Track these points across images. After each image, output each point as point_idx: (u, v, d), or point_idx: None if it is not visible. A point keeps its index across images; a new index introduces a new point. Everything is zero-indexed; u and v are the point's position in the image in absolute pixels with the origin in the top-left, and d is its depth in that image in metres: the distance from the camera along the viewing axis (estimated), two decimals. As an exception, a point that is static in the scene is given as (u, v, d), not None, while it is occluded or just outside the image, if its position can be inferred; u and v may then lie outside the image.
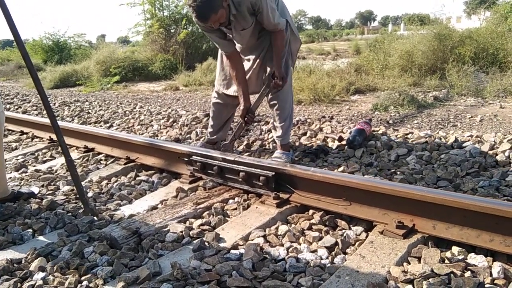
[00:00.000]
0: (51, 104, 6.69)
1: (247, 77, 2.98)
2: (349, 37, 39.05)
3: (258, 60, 2.95)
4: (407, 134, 3.36)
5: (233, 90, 3.08)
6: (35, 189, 2.73)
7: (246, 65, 3.00)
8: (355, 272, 1.56)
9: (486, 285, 1.44)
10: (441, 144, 3.03)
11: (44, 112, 6.06)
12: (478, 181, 2.38)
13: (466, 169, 2.57)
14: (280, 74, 2.84)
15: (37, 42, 16.58)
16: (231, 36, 2.83)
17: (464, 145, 2.97)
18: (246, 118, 2.99)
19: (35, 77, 2.18)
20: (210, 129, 3.32)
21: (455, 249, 1.67)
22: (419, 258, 1.64)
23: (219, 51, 3.11)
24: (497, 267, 1.52)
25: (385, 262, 1.62)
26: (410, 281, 1.49)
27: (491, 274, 1.50)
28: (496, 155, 2.73)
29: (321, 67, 7.26)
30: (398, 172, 2.65)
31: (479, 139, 3.04)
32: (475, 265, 1.56)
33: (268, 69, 2.92)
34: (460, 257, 1.62)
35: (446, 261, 1.60)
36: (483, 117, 4.03)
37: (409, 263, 1.62)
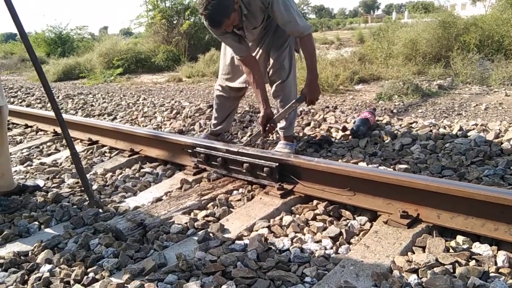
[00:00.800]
0: (55, 97, 6.71)
1: None
2: (352, 26, 38.71)
3: (261, 51, 2.92)
4: (411, 123, 3.34)
5: (238, 82, 3.05)
6: (41, 182, 2.74)
7: None
8: (360, 262, 1.57)
9: (491, 274, 1.44)
10: (445, 133, 3.02)
11: (48, 105, 6.08)
12: (483, 170, 2.37)
13: (471, 158, 2.56)
14: (313, 93, 2.75)
15: (39, 35, 16.59)
16: (243, 35, 2.75)
17: (469, 134, 2.95)
18: (267, 128, 2.79)
19: (39, 70, 2.18)
20: (213, 121, 3.32)
21: (459, 238, 1.67)
22: (423, 248, 1.64)
23: (223, 44, 3.06)
24: (501, 256, 1.52)
25: (389, 252, 1.62)
26: (415, 271, 1.49)
27: (495, 263, 1.50)
28: (501, 143, 2.72)
29: (324, 56, 7.23)
30: (403, 162, 2.64)
31: (484, 127, 3.02)
32: (479, 254, 1.56)
33: (271, 60, 2.88)
34: (465, 246, 1.62)
35: (451, 250, 1.60)
36: (488, 106, 4.00)
37: (414, 253, 1.62)
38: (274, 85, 2.96)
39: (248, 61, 2.76)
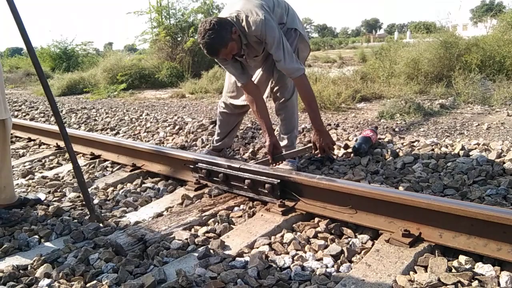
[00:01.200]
0: (59, 111, 6.75)
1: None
2: (355, 45, 39.09)
3: (263, 70, 2.94)
4: (413, 142, 3.34)
5: (241, 100, 3.07)
6: (42, 196, 2.74)
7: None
8: (361, 281, 1.55)
9: (494, 295, 1.43)
10: (447, 152, 3.02)
11: (51, 119, 6.11)
12: (485, 189, 2.37)
13: (473, 177, 2.55)
14: (323, 136, 2.73)
15: (45, 50, 16.75)
16: (244, 62, 2.79)
17: (471, 153, 2.95)
18: (274, 158, 2.82)
19: (45, 84, 2.21)
20: (216, 137, 3.33)
21: (462, 258, 1.66)
22: (425, 267, 1.63)
23: None
24: (505, 276, 1.50)
25: (391, 271, 1.60)
26: (417, 290, 1.47)
27: (499, 284, 1.49)
28: (504, 163, 2.71)
29: (326, 74, 7.26)
30: (404, 180, 2.63)
31: (486, 147, 3.02)
32: (482, 275, 1.54)
33: (275, 78, 2.90)
34: (467, 266, 1.60)
35: (453, 270, 1.59)
36: (490, 125, 4.01)
37: (416, 272, 1.61)
38: (277, 103, 2.98)
39: (249, 88, 2.79)
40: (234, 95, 3.11)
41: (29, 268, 1.86)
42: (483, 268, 1.58)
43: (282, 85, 2.90)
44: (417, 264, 1.66)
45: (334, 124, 4.39)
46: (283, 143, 3.02)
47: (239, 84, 2.84)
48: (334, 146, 3.37)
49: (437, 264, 1.60)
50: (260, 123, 2.84)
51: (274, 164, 2.87)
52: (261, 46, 2.67)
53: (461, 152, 2.97)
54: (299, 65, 2.63)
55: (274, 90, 2.95)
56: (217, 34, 2.40)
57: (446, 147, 3.14)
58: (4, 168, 2.43)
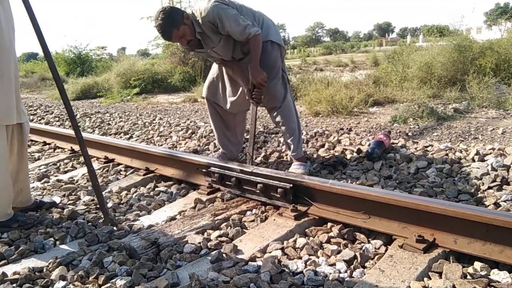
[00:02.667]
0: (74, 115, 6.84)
1: (235, 98, 3.10)
2: (367, 48, 38.93)
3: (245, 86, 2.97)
4: (426, 147, 3.31)
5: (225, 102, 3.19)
6: (57, 199, 2.78)
7: (234, 87, 3.10)
8: (374, 287, 1.54)
9: (510, 302, 1.41)
10: (462, 157, 2.99)
11: (66, 123, 6.20)
12: (501, 195, 2.33)
13: (488, 182, 2.52)
14: (256, 77, 2.80)
15: (59, 55, 16.99)
16: (207, 53, 2.96)
17: (485, 158, 2.91)
18: (253, 95, 2.89)
19: (61, 88, 2.27)
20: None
21: (477, 265, 1.64)
22: (440, 273, 1.61)
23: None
24: (521, 283, 1.48)
25: (405, 277, 1.59)
26: (431, 297, 1.46)
27: (515, 291, 1.47)
28: (519, 168, 2.67)
29: (339, 79, 7.25)
30: (418, 185, 2.61)
31: (501, 152, 2.98)
32: (498, 281, 1.52)
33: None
34: (483, 273, 1.59)
35: (468, 276, 1.57)
36: (505, 130, 3.95)
37: (430, 278, 1.60)
38: (271, 113, 3.06)
39: (226, 63, 3.04)
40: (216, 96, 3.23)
41: (44, 270, 1.89)
42: (499, 275, 1.56)
43: (270, 96, 2.95)
44: (432, 270, 1.64)
45: (347, 128, 4.37)
46: (289, 150, 3.07)
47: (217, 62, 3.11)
48: (347, 151, 3.37)
49: (451, 271, 1.58)
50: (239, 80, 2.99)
51: (258, 103, 2.96)
52: (217, 35, 2.80)
53: (476, 157, 2.93)
54: (252, 28, 2.73)
55: (264, 102, 2.97)
56: (168, 16, 2.67)
57: (461, 152, 3.10)
58: (21, 171, 2.47)
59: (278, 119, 3.01)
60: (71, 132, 4.52)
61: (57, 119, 6.70)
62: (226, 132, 3.34)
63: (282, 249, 1.92)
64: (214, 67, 3.22)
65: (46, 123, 6.36)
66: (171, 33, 2.71)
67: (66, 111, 2.29)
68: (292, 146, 3.03)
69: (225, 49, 2.89)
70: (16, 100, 2.28)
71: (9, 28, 2.19)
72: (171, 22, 2.67)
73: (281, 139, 3.94)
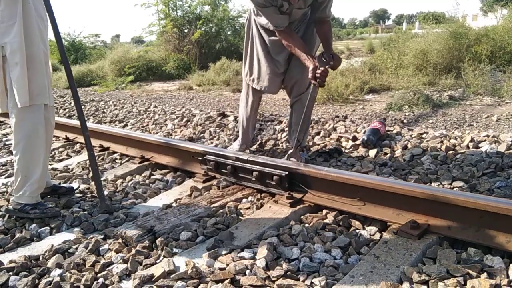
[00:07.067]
0: (67, 104, 6.79)
1: (279, 79, 2.99)
2: (362, 36, 38.79)
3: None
4: (422, 134, 3.32)
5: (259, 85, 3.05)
6: (75, 185, 2.79)
7: (281, 65, 2.97)
8: (369, 273, 1.56)
9: (503, 287, 1.42)
10: (456, 144, 3.00)
11: (61, 111, 6.16)
12: (495, 181, 2.35)
13: (482, 169, 2.54)
14: (340, 61, 2.83)
15: (53, 42, 16.79)
16: (289, 12, 2.76)
17: (480, 145, 2.93)
18: (318, 76, 2.68)
19: (69, 74, 2.34)
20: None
21: (471, 250, 1.65)
22: (434, 259, 1.63)
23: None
24: (514, 268, 1.50)
25: (399, 263, 1.61)
26: (425, 282, 1.48)
27: (507, 276, 1.48)
28: (513, 155, 2.69)
29: (334, 66, 7.22)
30: (413, 172, 2.62)
31: (495, 139, 3.00)
32: (491, 267, 1.54)
33: (292, 76, 2.94)
34: (476, 258, 1.60)
35: (462, 262, 1.59)
36: (500, 117, 3.97)
37: (424, 264, 1.61)
38: (292, 97, 3.03)
39: (287, 30, 2.78)
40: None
41: (40, 258, 1.89)
42: (492, 260, 1.57)
43: (299, 79, 2.93)
44: (426, 256, 1.66)
45: (342, 116, 4.37)
46: (296, 134, 2.97)
47: (278, 29, 2.78)
48: (342, 139, 3.37)
49: (445, 256, 1.60)
50: (299, 54, 2.75)
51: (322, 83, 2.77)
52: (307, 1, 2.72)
53: (471, 144, 2.95)
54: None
55: (291, 84, 2.95)
56: None
57: (455, 139, 3.12)
58: (47, 156, 2.43)
59: (296, 104, 3.04)
60: (65, 120, 4.49)
61: (51, 107, 6.65)
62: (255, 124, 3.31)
63: (278, 235, 1.92)
64: (254, 52, 3.03)
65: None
66: None
67: (72, 96, 2.35)
68: (298, 132, 2.84)
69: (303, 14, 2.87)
70: (48, 83, 2.30)
71: (38, 17, 2.22)
72: None
73: (277, 127, 3.94)
